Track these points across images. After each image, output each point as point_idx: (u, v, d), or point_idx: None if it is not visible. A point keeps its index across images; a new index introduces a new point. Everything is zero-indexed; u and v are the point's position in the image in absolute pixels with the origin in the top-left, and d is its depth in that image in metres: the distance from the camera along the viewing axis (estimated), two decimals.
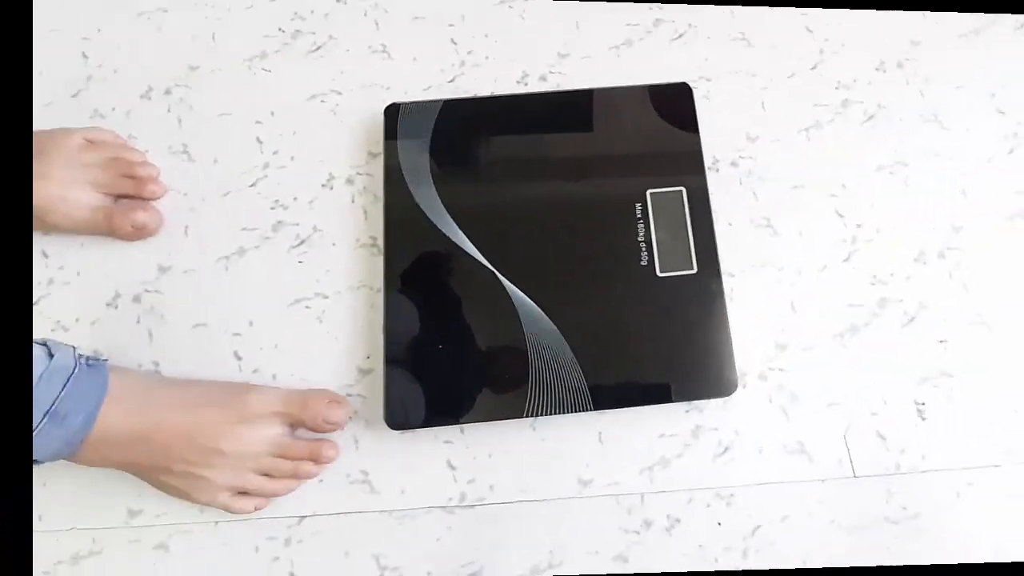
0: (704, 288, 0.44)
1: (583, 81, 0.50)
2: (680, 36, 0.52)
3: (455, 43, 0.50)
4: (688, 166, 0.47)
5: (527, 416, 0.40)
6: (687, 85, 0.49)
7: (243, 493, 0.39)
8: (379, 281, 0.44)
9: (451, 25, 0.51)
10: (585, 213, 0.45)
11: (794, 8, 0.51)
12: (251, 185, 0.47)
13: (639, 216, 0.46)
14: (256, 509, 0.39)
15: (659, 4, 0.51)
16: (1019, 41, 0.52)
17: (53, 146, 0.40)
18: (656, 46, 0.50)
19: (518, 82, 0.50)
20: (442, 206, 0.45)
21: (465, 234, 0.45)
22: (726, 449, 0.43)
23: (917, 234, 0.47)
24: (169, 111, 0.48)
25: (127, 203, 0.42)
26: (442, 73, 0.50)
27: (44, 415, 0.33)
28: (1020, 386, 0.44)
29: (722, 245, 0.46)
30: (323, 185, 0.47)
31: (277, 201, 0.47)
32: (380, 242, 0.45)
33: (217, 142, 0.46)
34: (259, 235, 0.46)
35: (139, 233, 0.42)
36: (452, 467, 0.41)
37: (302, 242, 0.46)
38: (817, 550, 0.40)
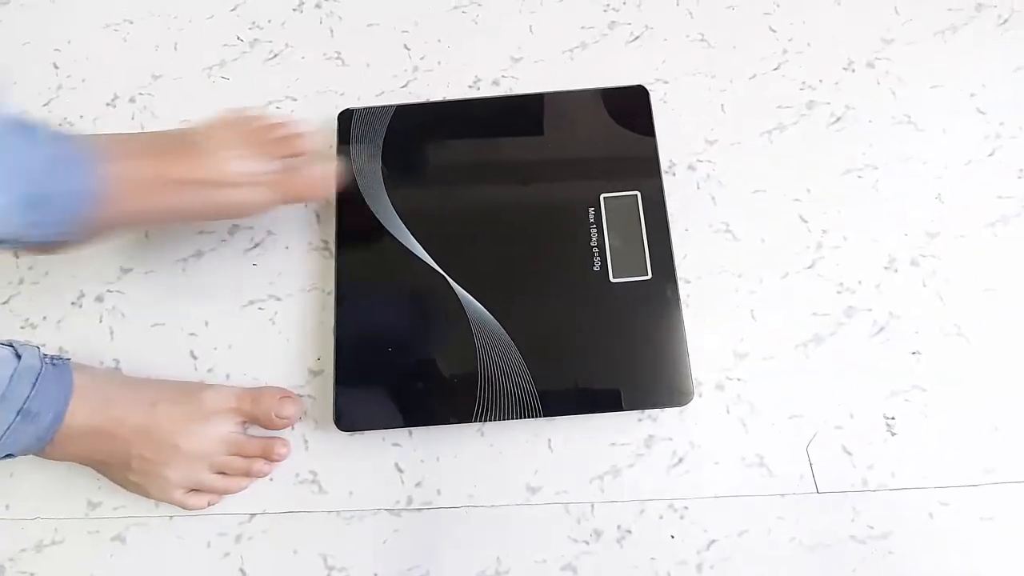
0: (658, 294, 0.39)
1: (536, 85, 0.45)
2: (636, 38, 0.47)
3: (408, 48, 0.47)
4: (643, 170, 0.42)
5: (475, 421, 0.37)
6: (643, 88, 0.44)
7: (196, 490, 0.37)
8: (330, 284, 0.40)
9: (404, 31, 0.47)
10: (537, 218, 0.41)
11: (757, 8, 0.46)
12: None
13: (592, 221, 0.41)
14: (208, 505, 0.38)
15: (614, 8, 0.47)
16: (1001, 38, 0.45)
17: (197, 126, 0.37)
18: (612, 48, 0.46)
19: (470, 87, 0.46)
20: (393, 211, 0.41)
21: (416, 239, 0.41)
22: (680, 460, 0.38)
23: (888, 240, 0.41)
24: (133, 118, 0.46)
25: (291, 169, 0.38)
26: (395, 79, 0.46)
27: (16, 413, 0.32)
28: (999, 401, 0.38)
29: (678, 251, 0.41)
30: None
31: None
32: (332, 246, 0.41)
33: None
34: (216, 238, 0.43)
35: (316, 189, 0.39)
36: (400, 470, 0.38)
37: (256, 245, 0.43)
38: (777, 568, 0.36)
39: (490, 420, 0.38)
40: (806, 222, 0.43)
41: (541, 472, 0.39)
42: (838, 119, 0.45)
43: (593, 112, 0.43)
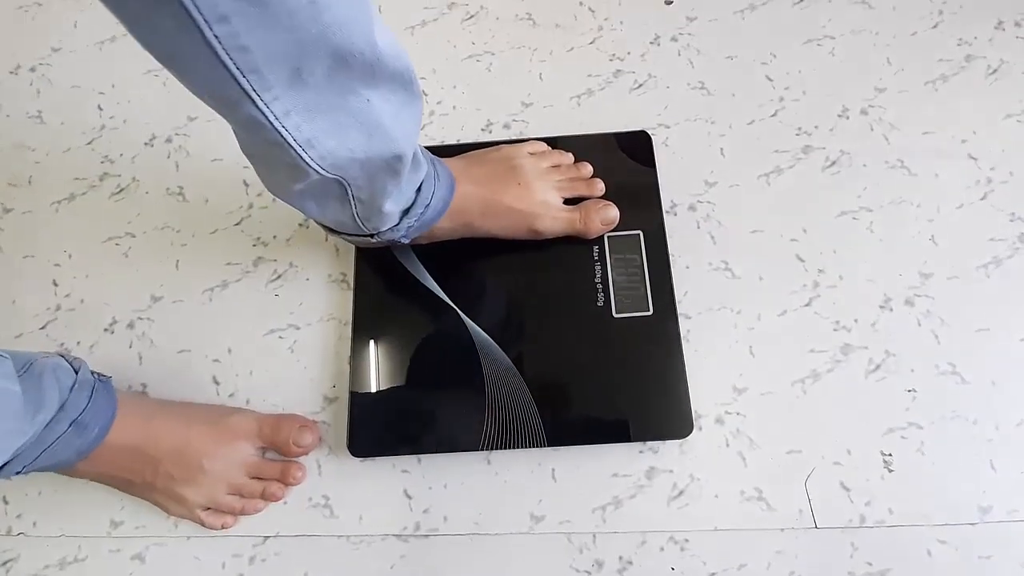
0: (660, 330, 0.40)
1: (544, 129, 0.47)
2: (640, 86, 0.49)
3: (426, 94, 0.49)
4: (646, 210, 0.43)
5: (482, 449, 0.38)
6: (645, 132, 0.46)
7: (214, 510, 0.39)
8: (347, 315, 0.42)
9: (423, 78, 0.49)
10: (545, 255, 0.42)
11: (754, 58, 0.49)
12: (236, 224, 0.46)
13: (596, 258, 0.42)
14: (222, 527, 0.39)
15: (619, 57, 0.49)
16: (990, 88, 0.47)
17: (519, 159, 0.42)
18: (616, 95, 0.48)
19: (483, 129, 0.48)
20: (408, 246, 0.43)
21: (429, 273, 0.43)
22: (681, 492, 0.39)
23: (883, 280, 0.42)
24: (168, 157, 0.48)
25: (591, 203, 0.42)
26: None
27: (71, 424, 0.33)
28: (994, 440, 0.39)
29: (679, 288, 0.42)
30: (300, 224, 0.46)
31: (258, 239, 0.46)
32: (350, 278, 0.43)
33: (208, 184, 0.47)
34: (241, 269, 0.45)
35: (607, 229, 0.42)
36: (408, 496, 0.39)
37: (279, 276, 0.45)
38: None
39: (496, 449, 0.39)
40: (803, 261, 0.44)
41: (545, 501, 0.40)
42: (833, 163, 0.47)
43: (599, 155, 0.45)
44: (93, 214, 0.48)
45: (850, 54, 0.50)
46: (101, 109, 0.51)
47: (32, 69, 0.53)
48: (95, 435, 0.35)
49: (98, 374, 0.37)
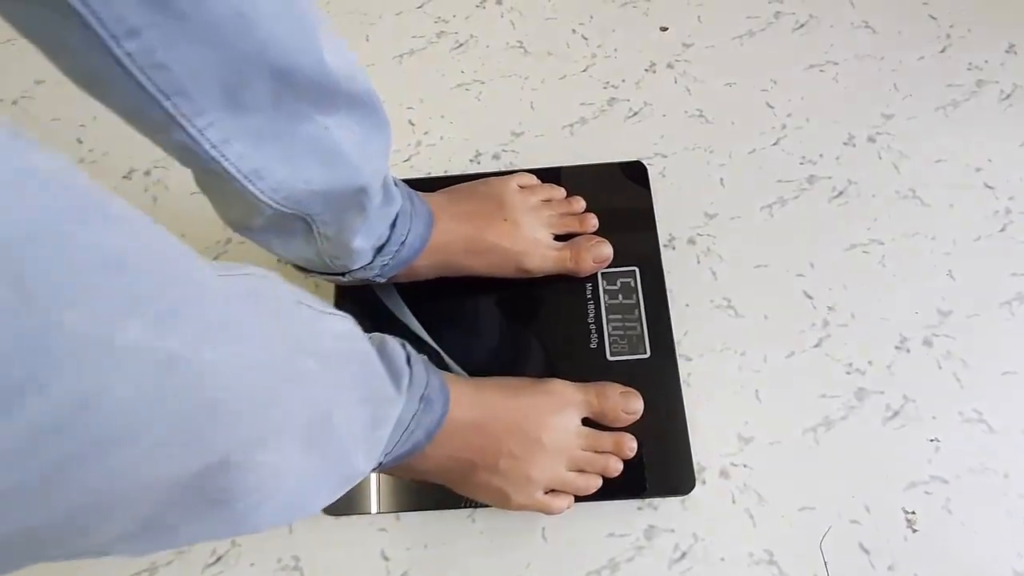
0: (658, 374, 0.37)
1: (536, 160, 0.45)
2: (635, 114, 0.47)
3: (412, 124, 0.47)
4: (642, 244, 0.41)
5: (466, 506, 0.35)
6: (641, 163, 0.43)
7: (555, 490, 0.34)
8: None
9: (410, 108, 0.48)
10: (534, 294, 0.40)
11: (754, 85, 0.46)
12: (213, 259, 0.43)
13: (589, 297, 0.40)
14: (568, 508, 0.34)
15: (614, 85, 0.47)
16: (1004, 113, 0.45)
17: (506, 194, 0.39)
18: (611, 124, 0.46)
19: (471, 160, 0.46)
20: (394, 288, 0.41)
21: (412, 313, 0.40)
22: (683, 555, 0.35)
23: (898, 319, 0.39)
24: (146, 191, 0.47)
25: (583, 240, 0.40)
26: (398, 153, 0.46)
27: (420, 400, 0.29)
28: None
29: (678, 327, 0.39)
30: (279, 261, 0.48)
31: None
32: None
33: (186, 218, 0.45)
34: None
35: (600, 266, 0.40)
36: (385, 558, 0.36)
37: None
38: None
39: (481, 506, 0.35)
40: (811, 298, 0.41)
41: (534, 565, 0.36)
42: (840, 193, 0.44)
43: (592, 186, 0.42)
44: None
45: (855, 80, 0.47)
46: (80, 142, 0.50)
47: (14, 102, 0.52)
48: (440, 412, 0.31)
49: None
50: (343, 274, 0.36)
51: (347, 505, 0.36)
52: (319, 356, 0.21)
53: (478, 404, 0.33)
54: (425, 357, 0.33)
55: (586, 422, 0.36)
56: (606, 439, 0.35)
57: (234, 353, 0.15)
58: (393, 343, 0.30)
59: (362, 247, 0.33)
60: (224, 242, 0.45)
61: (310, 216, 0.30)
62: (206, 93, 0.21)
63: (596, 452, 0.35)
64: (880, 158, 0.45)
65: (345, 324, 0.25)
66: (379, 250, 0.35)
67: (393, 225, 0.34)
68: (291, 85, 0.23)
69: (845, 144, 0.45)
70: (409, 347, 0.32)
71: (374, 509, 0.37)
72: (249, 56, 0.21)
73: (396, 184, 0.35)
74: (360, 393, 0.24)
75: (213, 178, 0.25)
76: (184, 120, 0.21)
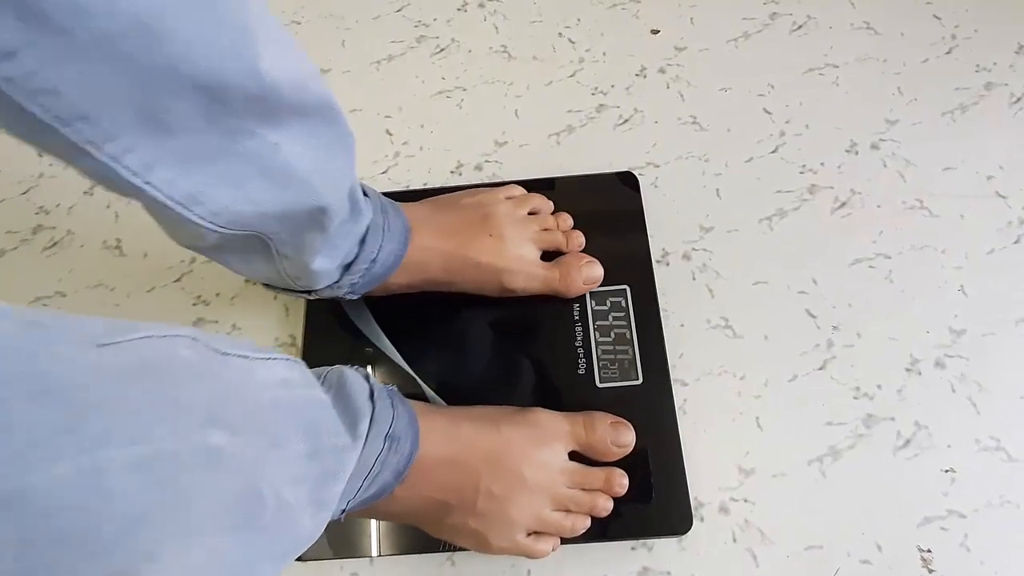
0: (651, 401, 0.34)
1: (521, 171, 0.42)
2: (625, 121, 0.44)
3: (391, 134, 0.45)
4: (633, 261, 0.38)
5: (444, 550, 0.33)
6: (631, 173, 0.41)
7: (538, 533, 0.31)
8: None
9: (388, 116, 0.45)
10: (518, 314, 0.37)
11: (750, 90, 0.44)
12: (176, 280, 0.41)
13: (577, 318, 0.37)
14: (552, 550, 0.31)
15: (603, 91, 0.44)
16: (1015, 117, 0.42)
17: (493, 206, 0.37)
18: (600, 132, 0.43)
19: (452, 172, 0.43)
20: (365, 306, 0.38)
21: (388, 337, 0.37)
22: None
23: (907, 339, 0.36)
24: (108, 207, 0.44)
25: (572, 260, 0.37)
26: (375, 164, 0.44)
27: (385, 439, 0.26)
28: None
29: (673, 350, 0.36)
30: (246, 281, 0.41)
31: (199, 297, 0.41)
32: (300, 341, 0.38)
33: (149, 236, 0.42)
34: None
35: (590, 288, 0.37)
36: None
37: None
38: None
39: (461, 549, 0.32)
40: (814, 317, 0.38)
41: None
42: (843, 204, 0.41)
43: (580, 198, 0.40)
44: (23, 271, 0.43)
45: (856, 84, 0.44)
46: (40, 156, 0.47)
47: None
48: (408, 450, 0.28)
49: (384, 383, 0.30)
50: (308, 292, 0.33)
51: (315, 549, 0.33)
52: (241, 421, 0.18)
53: (452, 438, 0.30)
54: (393, 388, 0.30)
55: (573, 456, 0.33)
56: (595, 475, 0.32)
57: (99, 463, 0.12)
58: (354, 378, 0.27)
59: (324, 268, 0.30)
60: (189, 261, 0.42)
61: (266, 235, 0.27)
62: (115, 116, 0.18)
63: (584, 490, 0.32)
64: (885, 166, 0.42)
65: (289, 370, 0.23)
66: (347, 268, 0.32)
67: (363, 242, 0.31)
68: (222, 100, 0.20)
69: (847, 151, 0.42)
70: (373, 379, 0.29)
71: (344, 553, 0.34)
72: (161, 71, 0.18)
73: (368, 195, 0.32)
74: (305, 447, 0.21)
75: (145, 202, 0.22)
76: (92, 147, 0.18)
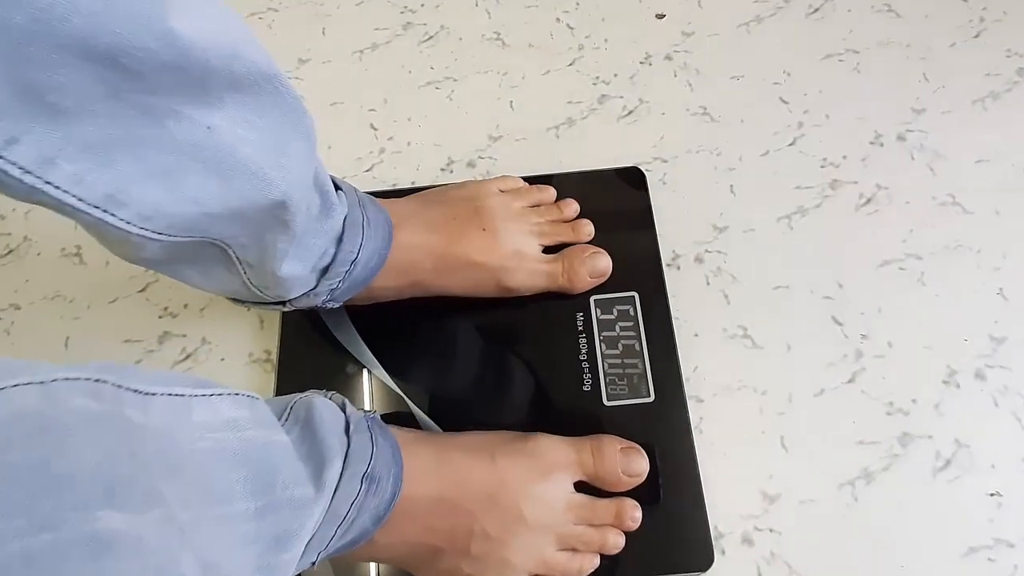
0: (664, 421, 0.31)
1: (517, 167, 0.39)
2: (630, 113, 0.40)
3: (375, 128, 0.41)
4: (641, 265, 0.34)
5: None
6: (638, 169, 0.37)
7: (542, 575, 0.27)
8: None
9: (372, 110, 0.41)
10: (515, 327, 0.34)
11: (764, 77, 0.40)
12: (140, 291, 0.37)
13: (581, 329, 0.33)
14: None
15: (604, 80, 0.40)
16: None
17: (485, 198, 0.33)
18: (602, 125, 0.40)
19: (443, 169, 0.39)
20: (348, 319, 0.34)
21: (373, 352, 0.33)
22: None
23: (943, 348, 0.33)
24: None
25: (576, 251, 0.34)
26: (359, 162, 0.40)
27: (362, 480, 0.23)
28: None
29: (687, 363, 0.33)
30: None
31: (166, 309, 0.37)
32: (275, 357, 0.34)
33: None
34: (142, 348, 0.36)
35: (597, 281, 0.34)
36: None
37: (188, 356, 0.36)
38: None
39: None
40: (840, 325, 0.34)
41: None
42: (868, 200, 0.37)
43: (583, 196, 0.36)
44: None
45: (879, 70, 0.41)
46: None
47: None
48: (390, 491, 0.24)
49: (364, 410, 0.27)
50: (282, 303, 0.29)
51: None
52: (161, 481, 0.15)
53: (441, 474, 0.27)
54: (375, 415, 0.27)
55: (580, 487, 0.29)
56: (604, 508, 0.29)
57: None
58: (325, 409, 0.24)
59: (295, 273, 0.26)
60: (152, 271, 0.38)
61: (221, 241, 0.23)
62: None
63: (591, 526, 0.28)
64: (912, 159, 0.38)
65: (238, 408, 0.19)
66: (324, 272, 0.28)
67: (339, 240, 0.28)
68: (129, 72, 0.16)
69: (872, 143, 0.39)
70: (350, 408, 0.25)
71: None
72: (36, 34, 0.14)
73: (341, 188, 0.28)
74: (253, 503, 0.18)
75: (54, 209, 0.18)
76: None
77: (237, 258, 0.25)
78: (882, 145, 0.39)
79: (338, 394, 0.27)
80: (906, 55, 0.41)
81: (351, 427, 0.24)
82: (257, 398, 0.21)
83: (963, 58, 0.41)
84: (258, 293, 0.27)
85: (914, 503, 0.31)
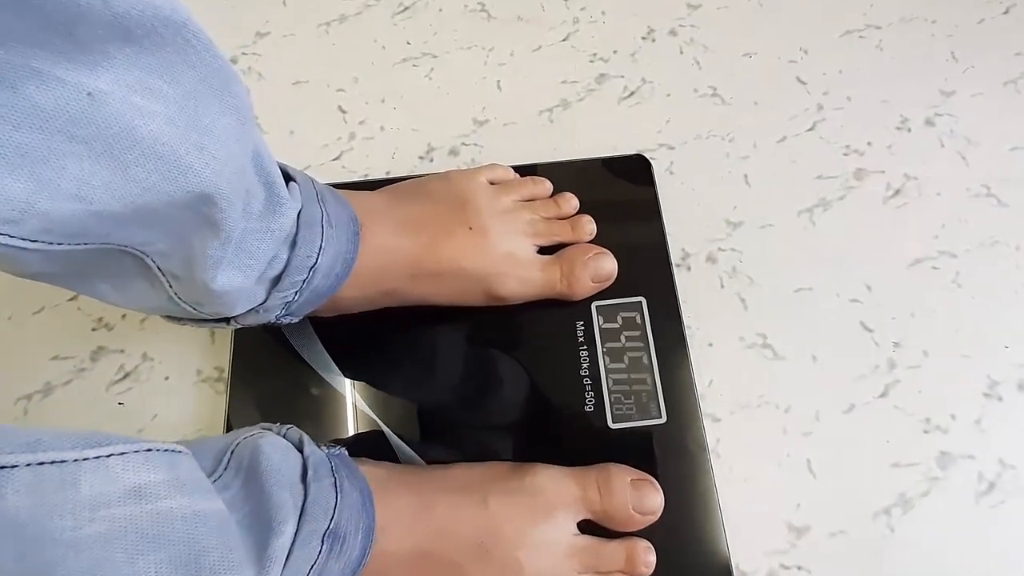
0: (677, 444, 0.27)
1: (504, 155, 0.34)
2: (632, 94, 0.36)
3: (344, 111, 0.36)
4: (648, 265, 0.30)
5: None
6: (643, 156, 0.33)
7: None
8: (220, 429, 0.28)
9: (340, 90, 0.36)
10: (508, 338, 0.29)
11: (779, 55, 0.36)
12: (71, 299, 0.32)
13: (582, 340, 0.29)
14: None
15: (603, 58, 0.36)
16: None
17: (472, 192, 0.28)
18: (601, 107, 0.36)
19: (421, 157, 0.34)
20: (312, 330, 0.29)
21: (341, 369, 0.28)
22: None
23: (982, 356, 0.30)
24: None
25: (576, 252, 0.29)
26: (326, 149, 0.35)
27: (323, 538, 0.19)
28: None
29: (701, 376, 0.29)
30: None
31: (100, 320, 0.31)
32: (227, 376, 0.29)
33: None
34: (73, 366, 0.30)
35: (601, 286, 0.29)
36: None
37: (126, 376, 0.30)
38: None
39: None
40: (870, 331, 0.30)
41: None
42: (896, 192, 0.33)
43: (579, 190, 0.31)
44: None
45: (903, 48, 0.37)
46: None
47: None
48: (359, 548, 0.20)
49: (326, 445, 0.22)
50: (227, 320, 0.24)
51: None
52: None
53: (423, 522, 0.22)
54: (341, 451, 0.22)
55: (584, 524, 0.24)
56: (613, 552, 0.24)
57: None
58: (274, 454, 0.19)
59: (235, 285, 0.21)
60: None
61: (132, 248, 0.18)
62: None
63: (599, 573, 0.24)
64: (943, 146, 0.34)
65: (150, 470, 0.15)
66: (275, 282, 0.23)
67: (293, 244, 0.22)
68: None
69: (898, 129, 0.35)
70: (309, 447, 0.20)
71: None
72: None
73: (294, 179, 0.23)
74: None
75: None
76: None
77: (158, 268, 0.19)
78: (909, 131, 0.35)
79: (295, 428, 0.22)
80: (931, 32, 0.37)
81: (309, 473, 0.19)
82: (180, 451, 0.16)
83: (993, 35, 0.37)
84: (191, 310, 0.22)
85: (956, 531, 0.27)
